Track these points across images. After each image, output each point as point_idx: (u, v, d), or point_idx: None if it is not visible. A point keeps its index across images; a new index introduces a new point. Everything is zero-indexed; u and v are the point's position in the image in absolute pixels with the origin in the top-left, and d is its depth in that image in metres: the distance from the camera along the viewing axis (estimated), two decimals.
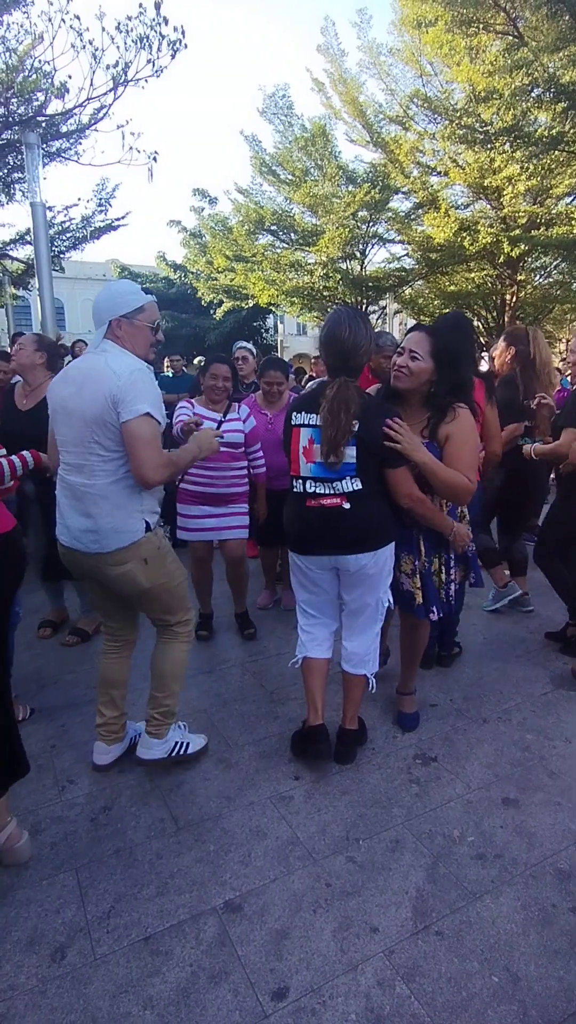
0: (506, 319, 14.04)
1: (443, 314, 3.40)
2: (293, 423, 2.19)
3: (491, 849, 1.96)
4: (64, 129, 9.61)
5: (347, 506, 2.11)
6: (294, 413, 2.20)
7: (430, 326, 2.38)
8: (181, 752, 2.37)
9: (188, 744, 2.40)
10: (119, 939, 1.68)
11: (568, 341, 3.24)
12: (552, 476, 3.82)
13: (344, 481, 2.10)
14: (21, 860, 1.91)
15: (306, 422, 2.15)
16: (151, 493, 2.10)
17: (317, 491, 2.13)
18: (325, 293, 14.47)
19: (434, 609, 2.39)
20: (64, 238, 13.66)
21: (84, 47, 6.31)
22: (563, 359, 4.29)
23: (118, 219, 13.77)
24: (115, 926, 1.72)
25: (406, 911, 1.74)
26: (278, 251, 14.54)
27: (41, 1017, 1.48)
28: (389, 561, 2.22)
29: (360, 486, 2.10)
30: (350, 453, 2.07)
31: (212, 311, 18.37)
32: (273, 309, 17.47)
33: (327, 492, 2.12)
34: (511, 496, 3.57)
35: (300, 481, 2.17)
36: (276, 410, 3.58)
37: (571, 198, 12.73)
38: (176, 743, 2.36)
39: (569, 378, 5.95)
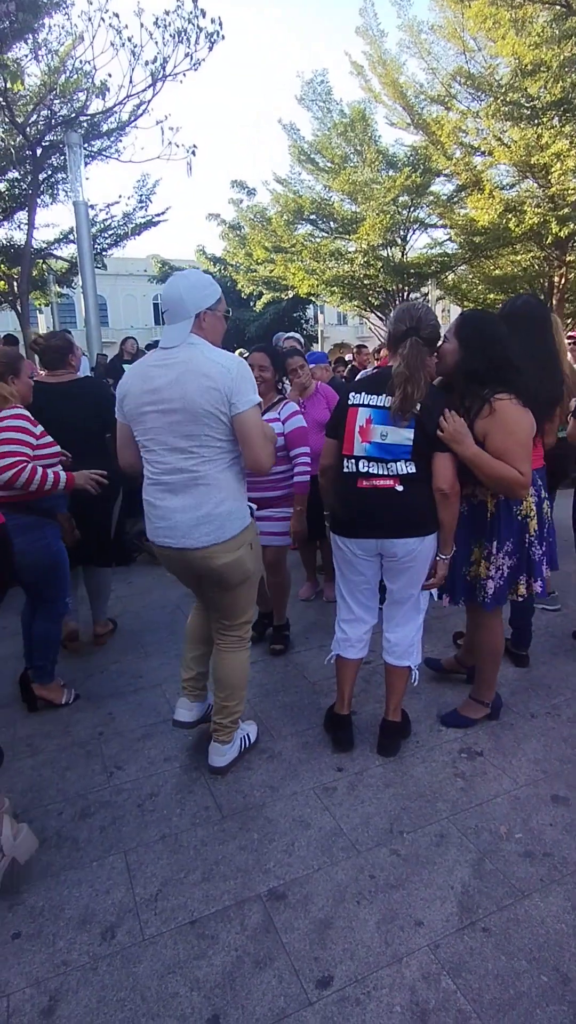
0: (554, 302, 13.54)
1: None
2: (350, 403, 2.18)
3: (540, 847, 1.91)
4: (105, 128, 9.77)
5: (400, 488, 2.10)
6: (352, 393, 2.19)
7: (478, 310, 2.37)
8: (247, 745, 2.43)
9: (249, 735, 2.46)
10: (167, 921, 1.72)
11: None
12: None
13: (399, 463, 2.10)
14: (29, 852, 1.88)
15: (366, 402, 2.14)
16: (245, 480, 2.17)
17: (370, 471, 2.13)
18: (366, 281, 14.31)
19: (444, 596, 2.42)
20: (106, 235, 13.90)
21: (123, 44, 6.40)
22: None
23: (158, 215, 13.93)
24: (162, 909, 1.76)
25: (451, 906, 1.72)
26: (317, 240, 14.44)
27: (92, 993, 1.53)
28: (434, 549, 2.19)
29: (414, 470, 2.09)
30: (407, 435, 2.07)
31: (252, 303, 18.40)
32: (313, 299, 17.38)
33: (381, 472, 2.11)
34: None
35: (352, 461, 2.16)
36: (305, 397, 3.58)
37: None
38: (241, 739, 2.41)
39: None
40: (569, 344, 6.28)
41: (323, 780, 2.25)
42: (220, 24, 6.25)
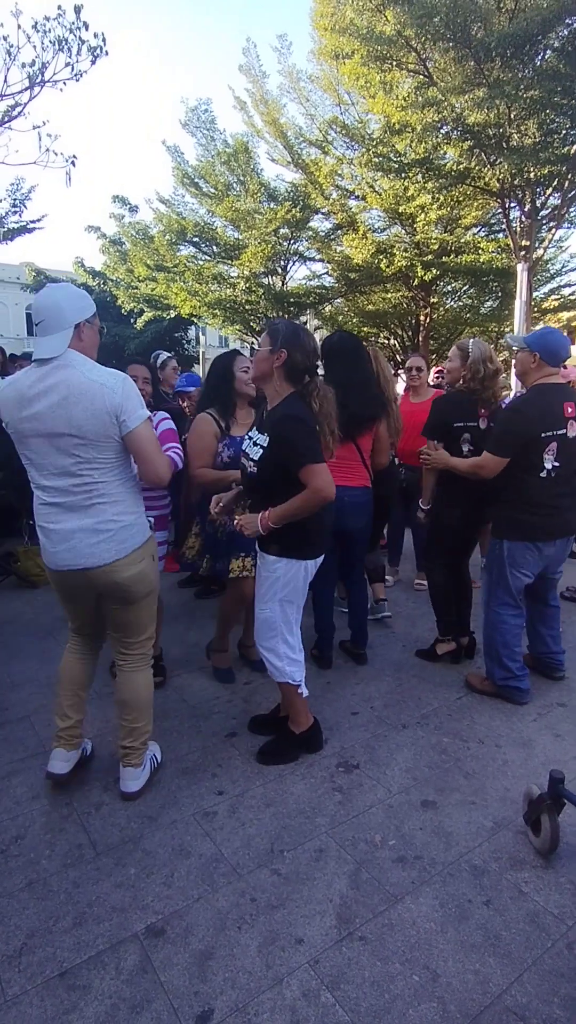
0: (420, 339, 14.72)
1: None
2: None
3: (411, 851, 2.01)
4: None
5: None
6: (316, 425, 2.25)
7: None
8: (155, 765, 2.38)
9: (156, 755, 2.41)
10: (32, 977, 1.58)
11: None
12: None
13: None
14: None
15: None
16: (141, 493, 2.16)
17: None
18: (247, 307, 14.59)
19: None
20: None
21: None
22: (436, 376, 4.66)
23: (34, 221, 13.28)
24: (27, 964, 1.62)
25: (330, 919, 1.76)
26: (200, 263, 14.53)
27: None
28: None
29: None
30: None
31: (132, 320, 18.04)
32: (195, 320, 17.39)
33: None
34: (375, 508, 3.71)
35: None
36: None
37: (477, 228, 13.62)
38: (150, 759, 2.35)
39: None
40: (436, 377, 6.84)
41: (203, 805, 2.21)
42: (104, 40, 6.16)
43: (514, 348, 2.87)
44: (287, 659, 2.36)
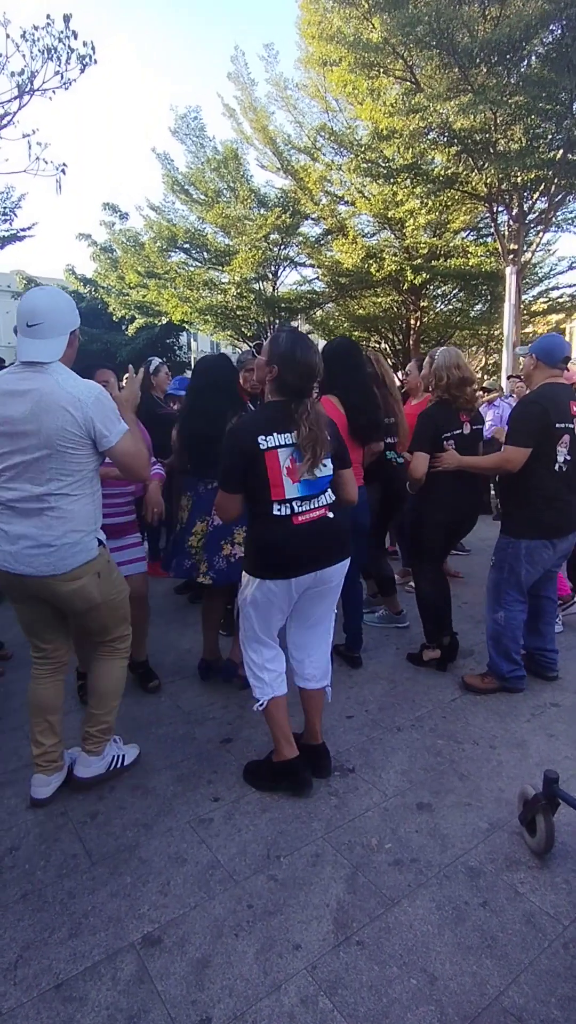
0: (411, 342, 14.81)
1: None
2: (263, 447, 2.03)
3: (407, 854, 2.01)
4: None
5: (331, 515, 2.17)
6: (260, 437, 2.03)
7: None
8: (118, 765, 2.36)
9: (124, 756, 2.40)
10: (27, 990, 1.57)
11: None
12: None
13: (326, 494, 2.17)
14: None
15: (281, 443, 2.05)
16: (100, 509, 2.12)
17: (302, 508, 2.09)
18: (239, 312, 14.64)
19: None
20: None
21: None
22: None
23: (24, 229, 13.26)
24: (23, 977, 1.60)
25: (327, 924, 1.75)
26: (191, 269, 14.57)
27: None
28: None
29: (333, 495, 2.21)
30: (330, 466, 2.16)
31: (124, 327, 18.04)
32: (187, 327, 17.42)
33: (312, 507, 2.12)
34: (383, 510, 3.70)
35: (285, 504, 2.07)
36: None
37: (466, 233, 13.74)
38: (114, 757, 2.34)
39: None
40: None
41: (199, 812, 2.20)
42: (93, 48, 6.19)
43: (522, 356, 3.02)
44: (249, 669, 2.29)
